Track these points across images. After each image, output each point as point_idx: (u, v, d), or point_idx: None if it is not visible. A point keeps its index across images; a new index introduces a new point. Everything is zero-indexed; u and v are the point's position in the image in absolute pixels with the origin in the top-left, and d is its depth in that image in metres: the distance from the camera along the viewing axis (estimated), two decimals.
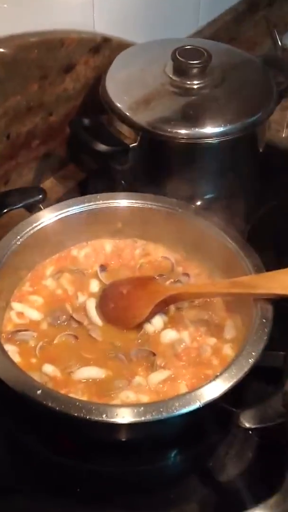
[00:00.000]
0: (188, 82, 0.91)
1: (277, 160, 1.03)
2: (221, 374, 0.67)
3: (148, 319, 0.77)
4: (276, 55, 1.07)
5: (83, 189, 1.04)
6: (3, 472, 0.71)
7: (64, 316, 0.78)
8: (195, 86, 0.91)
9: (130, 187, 0.90)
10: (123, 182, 0.96)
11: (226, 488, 0.71)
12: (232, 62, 0.97)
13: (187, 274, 0.85)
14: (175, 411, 0.63)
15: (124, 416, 0.62)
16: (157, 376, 0.73)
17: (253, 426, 0.64)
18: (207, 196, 0.94)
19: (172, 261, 0.86)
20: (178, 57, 0.91)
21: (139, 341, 0.76)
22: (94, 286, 0.83)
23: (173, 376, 0.73)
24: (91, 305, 0.80)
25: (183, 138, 0.87)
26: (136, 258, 0.87)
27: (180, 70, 0.91)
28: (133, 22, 1.06)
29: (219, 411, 0.67)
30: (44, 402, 0.63)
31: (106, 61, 0.99)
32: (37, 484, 0.71)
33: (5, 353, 0.69)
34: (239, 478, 0.72)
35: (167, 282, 0.83)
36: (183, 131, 0.87)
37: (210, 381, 0.66)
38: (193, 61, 0.90)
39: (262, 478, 0.72)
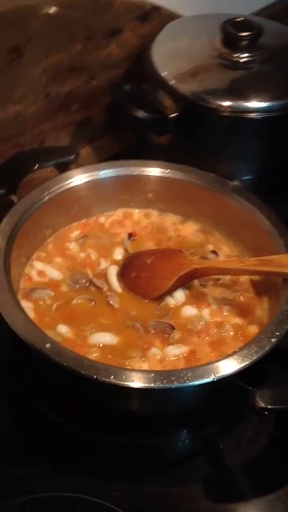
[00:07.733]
0: (236, 55, 0.90)
1: None
2: (240, 350, 0.64)
3: (170, 292, 0.75)
4: None
5: None
6: (6, 435, 0.70)
7: (84, 280, 0.77)
8: (243, 60, 0.90)
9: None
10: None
11: (235, 473, 0.68)
12: (284, 42, 0.94)
13: (215, 253, 0.82)
14: (186, 381, 0.61)
15: (133, 380, 0.60)
16: (174, 350, 0.70)
17: (269, 407, 0.60)
18: (246, 177, 0.92)
19: (202, 238, 0.84)
20: (228, 28, 0.90)
21: (157, 313, 0.74)
22: (118, 254, 0.82)
23: (191, 352, 0.71)
24: (113, 272, 0.78)
25: (226, 111, 0.85)
26: (165, 232, 0.85)
27: (229, 41, 0.90)
28: None
29: (234, 390, 0.64)
30: (52, 356, 0.61)
31: (154, 30, 0.97)
32: (41, 450, 0.69)
33: (20, 307, 0.67)
34: (250, 465, 0.69)
35: (194, 258, 0.81)
36: (226, 103, 0.85)
37: (228, 356, 0.63)
38: (243, 32, 0.89)
39: (274, 468, 0.69)
